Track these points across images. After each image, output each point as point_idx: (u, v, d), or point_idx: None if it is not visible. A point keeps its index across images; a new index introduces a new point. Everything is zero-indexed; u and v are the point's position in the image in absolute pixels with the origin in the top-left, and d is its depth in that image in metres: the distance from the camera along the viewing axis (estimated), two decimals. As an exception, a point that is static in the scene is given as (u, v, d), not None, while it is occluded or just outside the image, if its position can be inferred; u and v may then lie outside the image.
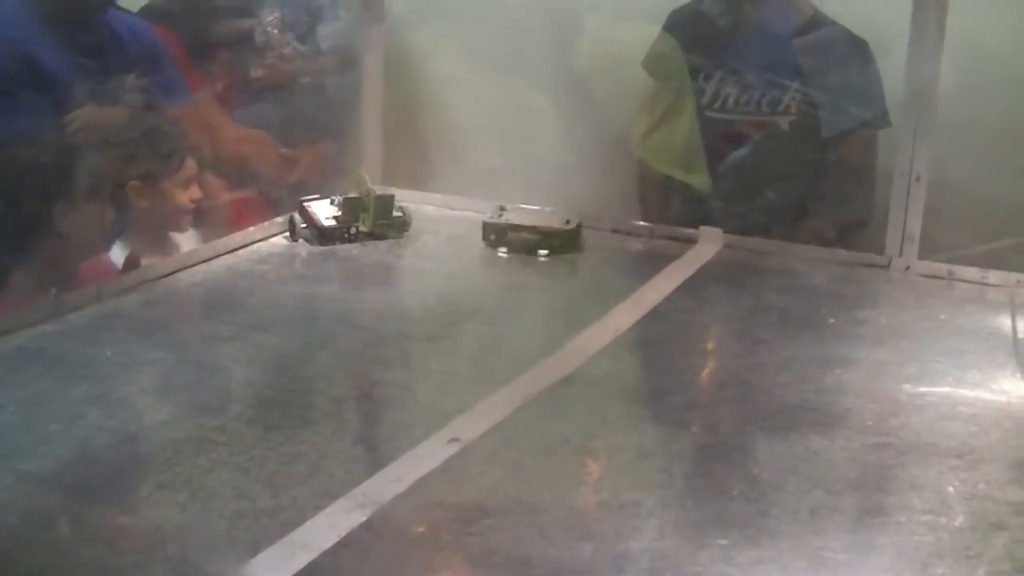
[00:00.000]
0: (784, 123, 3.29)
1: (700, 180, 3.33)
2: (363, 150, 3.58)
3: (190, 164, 3.16)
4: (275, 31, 3.48)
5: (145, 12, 3.37)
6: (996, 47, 3.24)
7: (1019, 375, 2.43)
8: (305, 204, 3.22)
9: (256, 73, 3.52)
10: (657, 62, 3.46)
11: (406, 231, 3.25)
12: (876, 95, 3.31)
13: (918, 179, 3.07)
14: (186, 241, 3.17)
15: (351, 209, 3.20)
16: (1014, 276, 2.99)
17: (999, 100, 3.28)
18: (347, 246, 3.16)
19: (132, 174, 3.05)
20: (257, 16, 3.51)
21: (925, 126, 3.06)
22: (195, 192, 3.13)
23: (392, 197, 3.25)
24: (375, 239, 3.19)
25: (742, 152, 3.33)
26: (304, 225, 3.20)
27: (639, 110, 3.54)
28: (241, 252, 3.08)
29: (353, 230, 3.20)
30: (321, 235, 3.17)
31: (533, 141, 3.64)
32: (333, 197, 3.25)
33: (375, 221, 3.20)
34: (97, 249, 3.00)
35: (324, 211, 3.21)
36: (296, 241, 3.18)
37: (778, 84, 3.27)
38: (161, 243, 3.14)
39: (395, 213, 3.25)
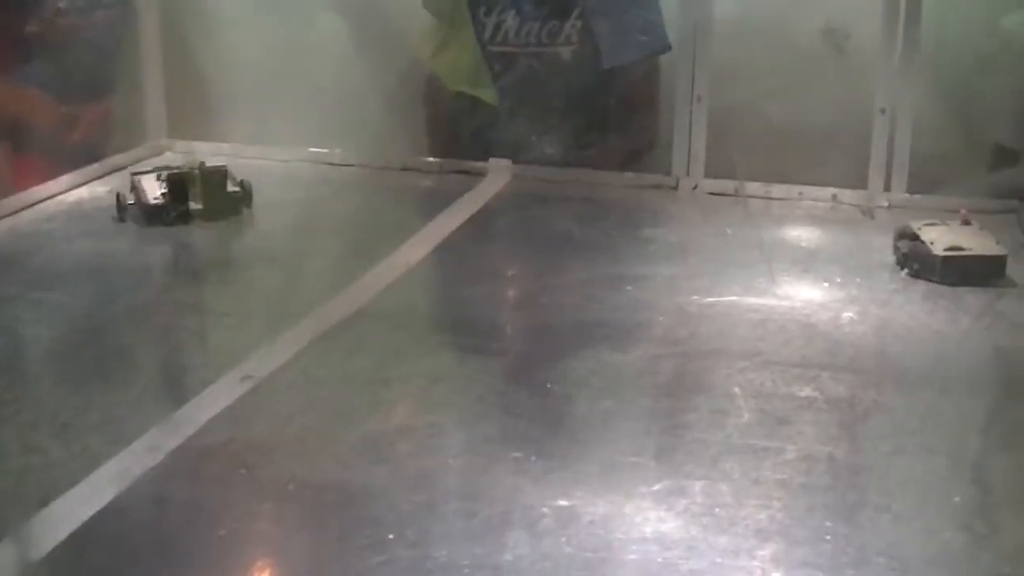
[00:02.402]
0: (566, 53, 3.30)
1: (488, 95, 3.33)
2: (146, 103, 3.50)
3: None
4: (45, -16, 3.39)
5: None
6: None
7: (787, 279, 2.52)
8: (136, 178, 2.94)
9: (30, 29, 3.42)
10: None
11: (247, 207, 2.94)
12: (655, 21, 3.34)
13: (699, 99, 3.14)
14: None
15: (176, 187, 2.85)
16: (796, 188, 3.08)
17: (774, 23, 3.36)
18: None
19: None
20: (26, -30, 3.41)
21: (704, 48, 3.13)
22: None
23: (224, 169, 2.92)
24: (211, 220, 2.87)
25: (510, 77, 3.32)
26: (132, 203, 2.88)
27: (421, 43, 3.50)
28: (24, 213, 2.98)
29: (184, 210, 2.85)
30: (147, 215, 2.85)
31: (319, 82, 3.60)
32: (160, 171, 2.94)
33: (207, 198, 2.86)
34: None
35: (153, 188, 2.89)
36: (124, 222, 2.87)
37: (557, 15, 3.28)
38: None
39: (231, 188, 2.92)
